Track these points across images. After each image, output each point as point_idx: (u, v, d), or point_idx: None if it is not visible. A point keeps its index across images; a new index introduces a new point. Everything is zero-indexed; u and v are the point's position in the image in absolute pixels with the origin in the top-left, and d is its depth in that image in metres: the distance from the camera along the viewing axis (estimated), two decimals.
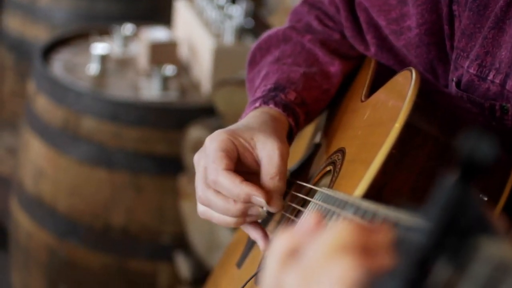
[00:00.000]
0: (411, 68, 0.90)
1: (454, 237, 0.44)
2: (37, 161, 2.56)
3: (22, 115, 2.95)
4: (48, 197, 2.53)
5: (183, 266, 2.41)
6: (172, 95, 2.53)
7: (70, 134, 2.46)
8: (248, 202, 0.94)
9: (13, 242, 2.78)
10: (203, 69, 2.58)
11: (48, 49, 2.74)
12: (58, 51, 2.77)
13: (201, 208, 1.00)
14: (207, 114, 2.39)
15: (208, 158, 0.96)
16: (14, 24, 3.45)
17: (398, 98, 0.86)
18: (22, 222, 2.65)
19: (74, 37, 2.87)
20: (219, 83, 2.35)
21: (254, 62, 1.21)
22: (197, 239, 2.34)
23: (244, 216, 0.96)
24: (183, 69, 2.72)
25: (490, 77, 0.91)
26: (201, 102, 2.51)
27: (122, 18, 3.11)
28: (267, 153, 0.97)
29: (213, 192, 0.96)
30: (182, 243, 2.44)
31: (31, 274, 2.65)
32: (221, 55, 2.51)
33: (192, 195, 2.34)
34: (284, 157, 0.97)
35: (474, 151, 0.44)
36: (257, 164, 0.98)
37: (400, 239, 0.50)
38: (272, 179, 0.95)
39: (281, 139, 0.99)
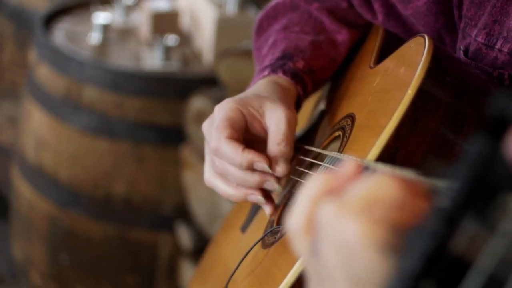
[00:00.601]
0: (424, 34, 0.90)
1: (483, 194, 0.44)
2: (38, 130, 2.56)
3: (21, 84, 2.95)
4: (50, 166, 2.54)
5: (184, 236, 2.42)
6: (174, 65, 2.52)
7: (71, 104, 2.45)
8: (251, 169, 0.95)
9: (14, 211, 2.78)
10: (205, 39, 2.57)
11: (49, 18, 2.72)
12: (59, 20, 2.75)
13: (207, 176, 1.00)
14: (209, 85, 2.39)
15: (213, 126, 0.97)
16: None
17: (411, 64, 0.86)
18: (23, 192, 2.66)
19: (75, 6, 2.85)
20: (222, 53, 2.34)
21: (261, 30, 1.21)
22: (198, 209, 2.34)
23: (259, 188, 0.97)
24: (185, 39, 2.71)
25: (498, 45, 0.91)
26: (204, 72, 2.50)
27: None
28: (275, 121, 0.97)
29: None
30: (183, 213, 2.45)
31: (32, 244, 2.66)
32: (223, 25, 2.50)
33: (194, 165, 2.34)
34: (291, 124, 0.98)
35: (504, 109, 0.44)
36: (265, 132, 0.99)
37: (429, 197, 0.50)
38: (278, 145, 0.96)
39: (289, 107, 0.99)
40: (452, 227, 0.45)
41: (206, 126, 1.00)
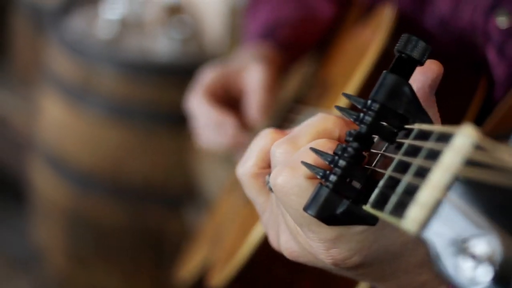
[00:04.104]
0: (389, 4, 0.97)
1: (391, 122, 0.52)
2: (54, 118, 2.63)
3: (36, 72, 3.00)
4: (65, 153, 2.60)
5: (197, 220, 2.47)
6: (187, 52, 2.58)
7: (87, 91, 2.52)
8: (222, 127, 1.04)
9: (31, 199, 2.84)
10: (216, 27, 2.63)
11: (63, 8, 2.78)
12: (73, 11, 2.81)
13: (202, 139, 1.10)
14: None
15: (195, 93, 1.08)
16: None
17: (375, 29, 0.93)
18: (40, 179, 2.72)
19: None
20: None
21: (250, 7, 1.29)
22: (211, 190, 2.40)
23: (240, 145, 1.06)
24: (198, 25, 2.77)
25: (463, 14, 0.96)
26: (215, 58, 2.55)
27: None
28: (252, 84, 1.06)
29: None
30: (196, 197, 2.51)
31: (51, 231, 2.73)
32: (235, 12, 2.56)
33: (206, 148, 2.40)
34: (268, 85, 1.06)
35: (411, 51, 0.51)
36: (244, 95, 1.08)
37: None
38: (256, 105, 1.05)
39: (268, 70, 1.08)
40: (365, 144, 0.52)
41: (190, 98, 1.09)
